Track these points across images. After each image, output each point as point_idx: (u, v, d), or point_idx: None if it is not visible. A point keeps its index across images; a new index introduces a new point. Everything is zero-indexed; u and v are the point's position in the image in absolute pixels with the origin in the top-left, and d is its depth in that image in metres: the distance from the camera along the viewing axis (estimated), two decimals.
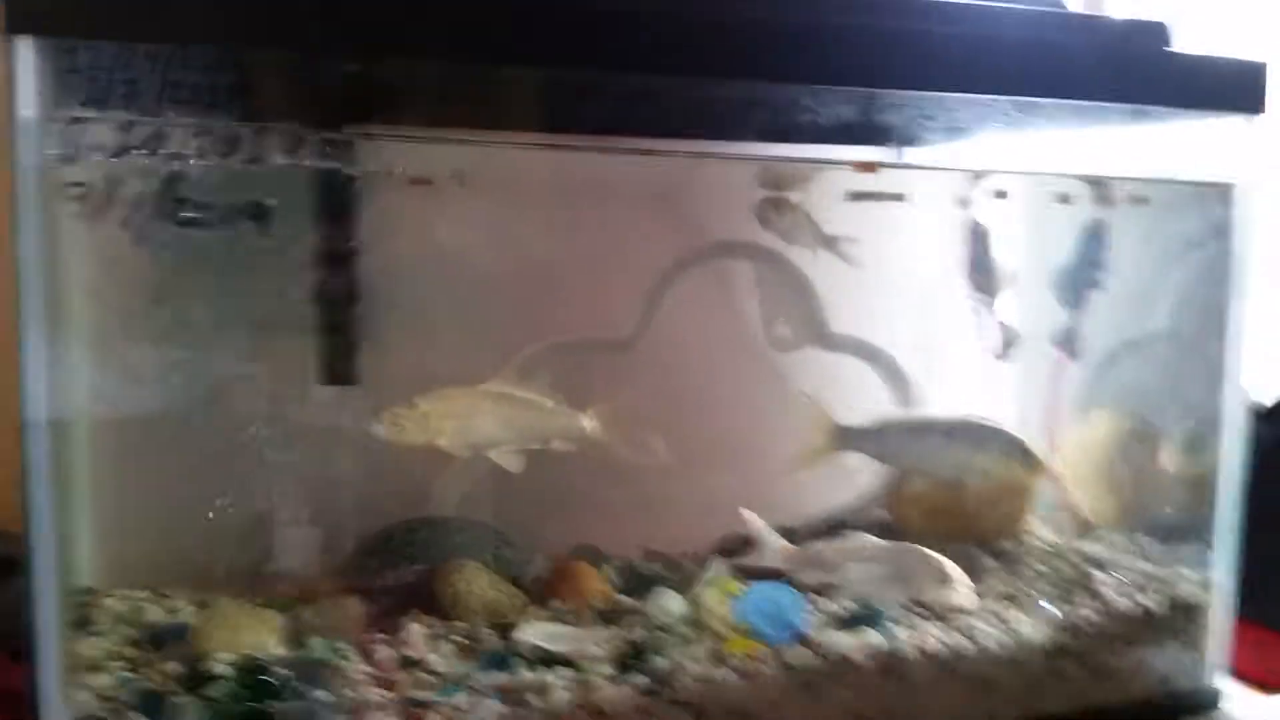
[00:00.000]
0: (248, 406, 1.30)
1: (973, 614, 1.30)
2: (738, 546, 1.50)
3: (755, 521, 1.38)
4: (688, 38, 1.09)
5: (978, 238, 1.66)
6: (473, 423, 1.30)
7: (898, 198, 1.53)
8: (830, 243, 1.49)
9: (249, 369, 1.26)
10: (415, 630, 1.26)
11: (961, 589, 1.28)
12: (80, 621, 1.24)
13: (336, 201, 1.31)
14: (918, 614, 1.31)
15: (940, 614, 1.28)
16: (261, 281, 1.26)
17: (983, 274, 1.65)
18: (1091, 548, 1.54)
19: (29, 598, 1.03)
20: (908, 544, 1.32)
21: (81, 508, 1.35)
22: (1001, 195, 1.54)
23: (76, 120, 0.90)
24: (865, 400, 1.70)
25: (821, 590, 1.32)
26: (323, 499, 1.36)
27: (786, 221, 1.44)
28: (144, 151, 0.92)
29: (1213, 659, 1.40)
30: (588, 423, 1.35)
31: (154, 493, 1.38)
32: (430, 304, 1.47)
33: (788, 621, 1.26)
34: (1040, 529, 1.61)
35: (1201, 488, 1.42)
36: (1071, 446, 1.66)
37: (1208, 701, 1.38)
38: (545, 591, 1.38)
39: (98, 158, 0.91)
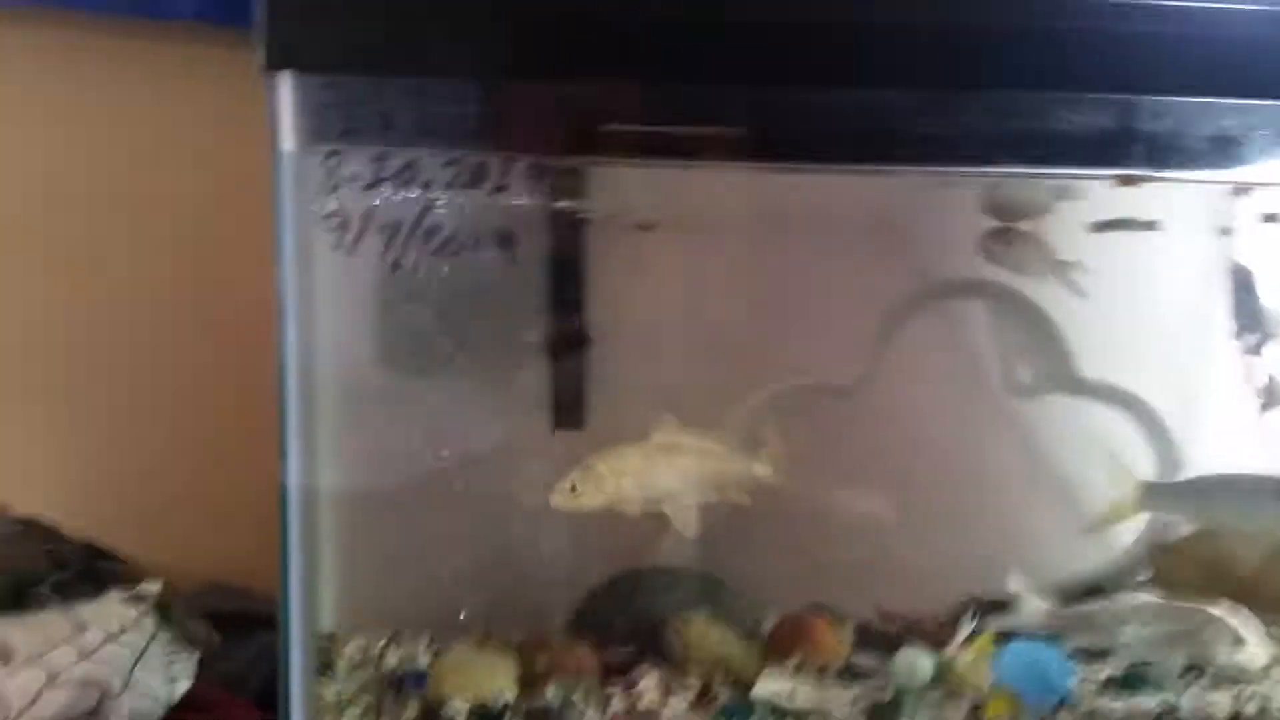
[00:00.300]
0: (484, 452, 1.31)
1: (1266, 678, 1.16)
2: (980, 609, 1.40)
3: (1017, 579, 1.27)
4: (916, 48, 1.04)
5: (1241, 274, 1.54)
6: (649, 478, 1.26)
7: (1150, 226, 1.43)
8: (1063, 269, 1.39)
9: (488, 413, 1.27)
10: (647, 681, 1.22)
11: (1259, 652, 1.14)
12: (323, 666, 1.26)
13: (567, 242, 1.31)
14: (1200, 680, 1.18)
15: (1232, 678, 1.15)
16: (499, 324, 1.27)
17: (1248, 316, 1.52)
18: None
19: (281, 643, 1.04)
20: (1194, 604, 1.19)
21: (325, 554, 1.38)
22: (1271, 219, 1.41)
23: (333, 154, 0.92)
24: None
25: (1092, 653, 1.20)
26: (553, 547, 1.35)
27: (1015, 252, 1.35)
28: (397, 182, 0.94)
29: None
30: (760, 468, 1.28)
31: (392, 540, 1.40)
32: (654, 348, 1.45)
33: (1053, 684, 1.15)
34: None
35: None
36: None
37: None
38: (779, 648, 1.32)
39: (353, 189, 0.93)
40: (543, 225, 1.28)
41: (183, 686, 1.32)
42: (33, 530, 1.44)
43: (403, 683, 1.25)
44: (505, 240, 1.09)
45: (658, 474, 1.26)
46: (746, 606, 1.39)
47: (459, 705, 1.17)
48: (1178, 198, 1.41)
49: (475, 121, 0.97)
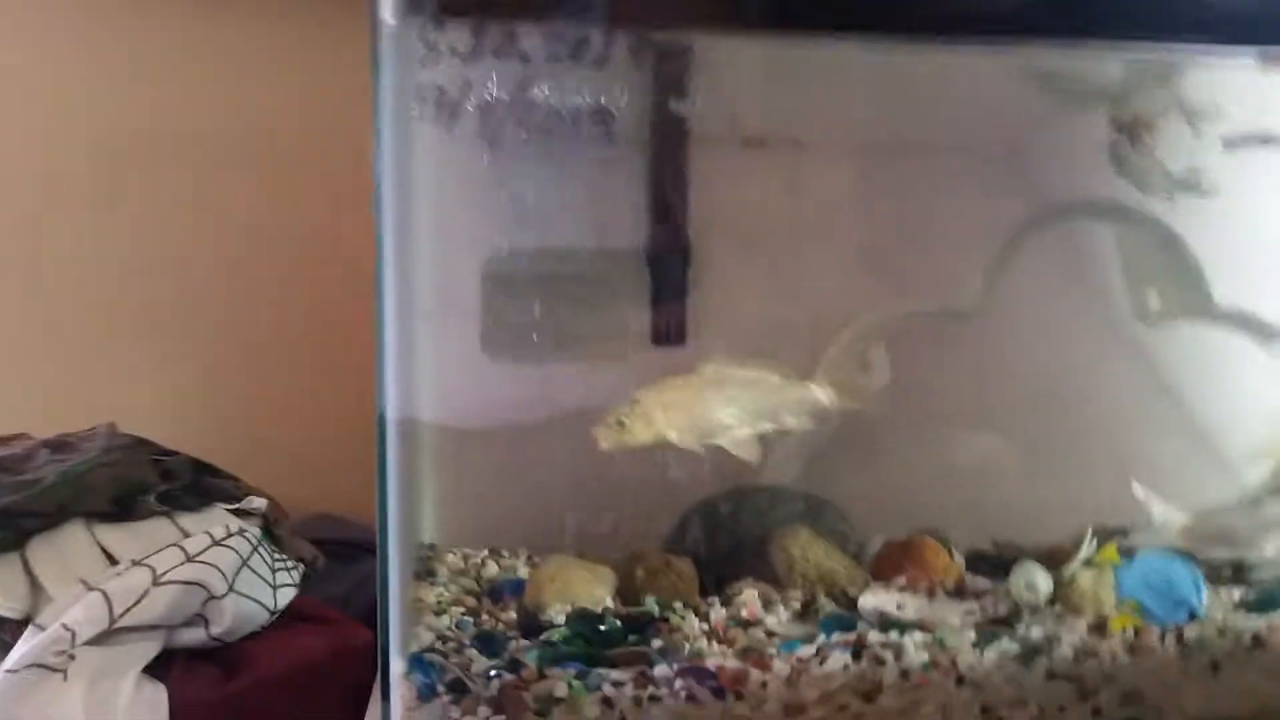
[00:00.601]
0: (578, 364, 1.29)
1: None
2: (1101, 535, 1.33)
3: (1146, 495, 1.21)
4: None
5: None
6: (699, 410, 1.21)
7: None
8: (1182, 183, 1.30)
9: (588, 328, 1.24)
10: (750, 594, 1.18)
11: None
12: (423, 573, 1.25)
13: (671, 149, 1.28)
14: None
15: None
16: (599, 232, 1.25)
17: None
18: None
19: (380, 551, 1.03)
20: None
21: (425, 472, 1.38)
22: None
23: (433, 24, 0.91)
24: (1254, 382, 1.49)
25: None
26: (655, 466, 1.32)
27: (1140, 162, 1.27)
28: (497, 55, 0.92)
29: None
30: (819, 392, 1.23)
31: (493, 457, 1.39)
32: (760, 265, 1.41)
33: (1182, 598, 1.08)
34: None
35: None
36: None
37: None
38: (886, 568, 1.27)
39: (453, 62, 0.92)
40: (648, 127, 1.25)
41: (287, 594, 1.34)
42: (143, 445, 1.47)
43: (502, 590, 1.24)
44: (603, 117, 1.06)
45: (708, 406, 1.22)
46: (853, 529, 1.34)
47: (558, 609, 1.15)
48: None
49: None
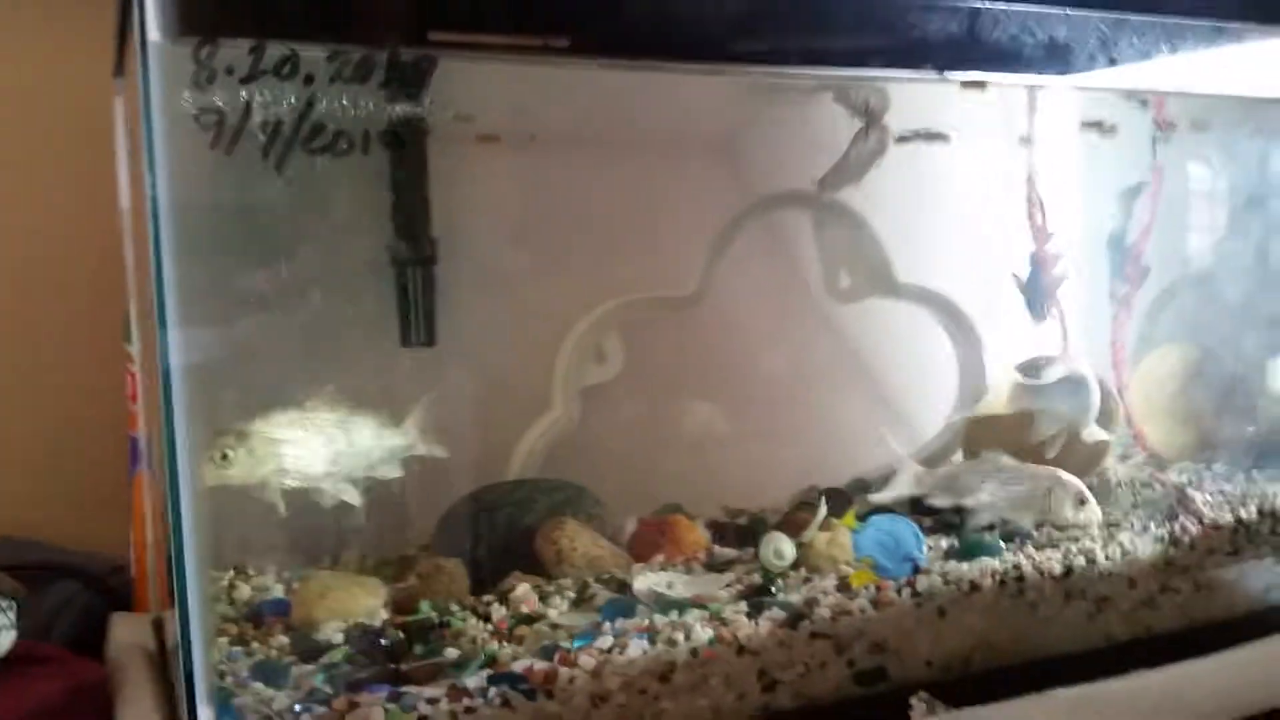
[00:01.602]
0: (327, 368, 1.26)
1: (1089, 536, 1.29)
2: (824, 495, 1.48)
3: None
4: None
5: (1031, 179, 1.67)
6: (307, 451, 1.14)
7: (943, 137, 1.54)
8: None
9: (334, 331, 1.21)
10: (524, 588, 1.22)
11: (1096, 509, 1.27)
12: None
13: (413, 153, 1.27)
14: (1027, 539, 1.30)
15: (1071, 532, 1.29)
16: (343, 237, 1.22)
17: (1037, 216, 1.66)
18: (1176, 478, 1.54)
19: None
20: (1044, 466, 1.31)
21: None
22: (1098, 125, 1.54)
23: (204, 44, 0.85)
24: (930, 349, 1.70)
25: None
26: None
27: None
28: (277, 77, 0.88)
29: None
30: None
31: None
32: (502, 262, 1.43)
33: (907, 553, 1.24)
34: (1119, 466, 1.61)
35: None
36: (1139, 381, 1.67)
37: None
38: (642, 548, 1.35)
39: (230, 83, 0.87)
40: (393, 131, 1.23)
41: (8, 638, 1.23)
42: None
43: (262, 612, 1.20)
44: (395, 140, 1.04)
45: (315, 448, 1.14)
46: (607, 512, 1.40)
47: (334, 627, 1.13)
48: (977, 111, 1.52)
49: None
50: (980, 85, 1.23)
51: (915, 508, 1.41)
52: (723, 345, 1.59)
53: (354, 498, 1.16)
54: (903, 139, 1.54)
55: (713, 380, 1.60)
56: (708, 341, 1.59)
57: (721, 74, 1.32)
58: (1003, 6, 1.18)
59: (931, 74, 1.24)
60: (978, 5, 1.17)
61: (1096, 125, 1.52)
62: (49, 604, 1.48)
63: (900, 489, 1.34)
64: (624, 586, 1.22)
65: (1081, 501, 1.27)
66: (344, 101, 0.97)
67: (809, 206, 1.62)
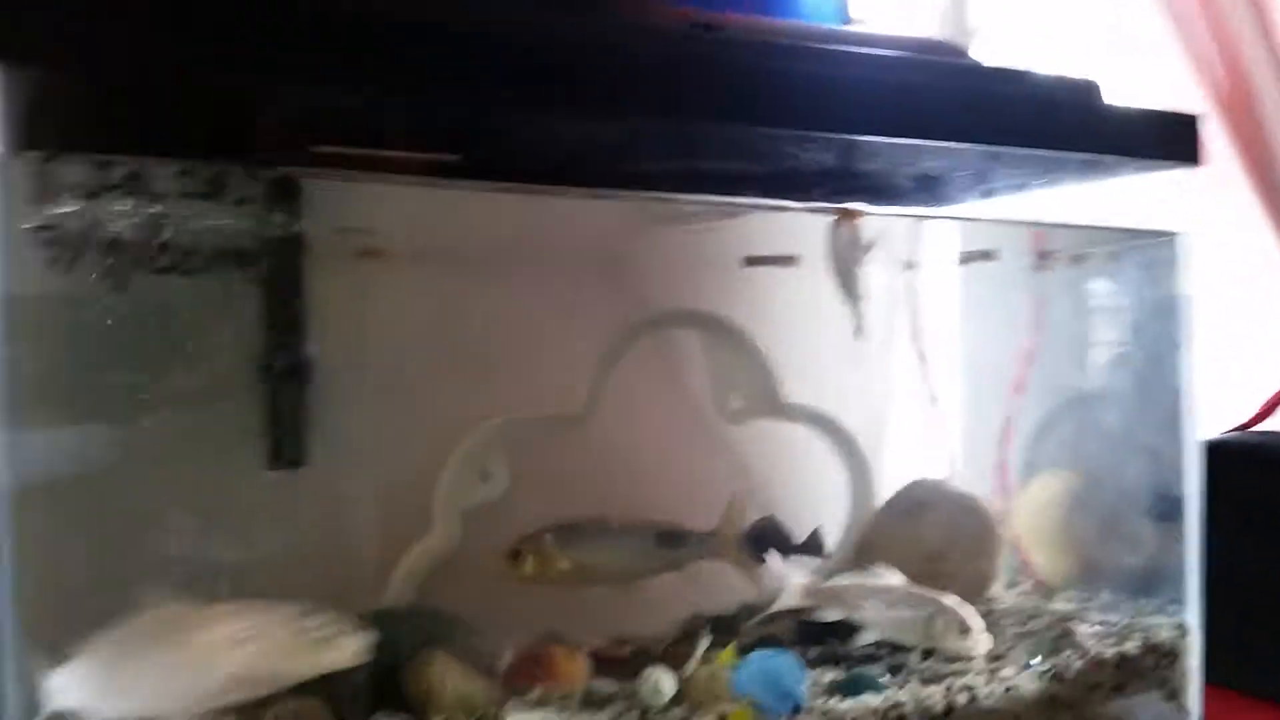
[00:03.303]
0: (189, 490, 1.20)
1: (969, 670, 1.27)
2: (709, 623, 1.45)
3: (772, 559, 1.35)
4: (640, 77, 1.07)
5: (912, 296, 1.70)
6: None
7: (790, 260, 1.55)
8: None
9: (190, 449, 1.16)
10: None
11: (981, 639, 1.25)
12: None
13: (287, 266, 1.23)
14: (915, 671, 1.28)
15: (939, 674, 1.25)
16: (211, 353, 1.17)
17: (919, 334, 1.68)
18: (1062, 606, 1.54)
19: None
20: (931, 591, 1.29)
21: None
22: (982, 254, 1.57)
23: (49, 159, 0.81)
24: (817, 471, 1.69)
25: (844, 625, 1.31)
26: (265, 590, 1.25)
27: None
28: (122, 193, 0.84)
29: (1191, 706, 1.40)
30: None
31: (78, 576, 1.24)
32: (382, 381, 1.39)
33: (787, 690, 1.20)
34: (1006, 594, 1.60)
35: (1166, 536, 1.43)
36: (1024, 508, 1.68)
37: None
38: (520, 680, 1.29)
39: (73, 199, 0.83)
40: (262, 246, 1.20)
41: None
42: None
43: None
44: (249, 259, 1.00)
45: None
46: (483, 642, 1.34)
47: None
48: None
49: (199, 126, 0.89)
50: (854, 214, 1.24)
51: (803, 631, 1.39)
52: (611, 465, 1.56)
53: None
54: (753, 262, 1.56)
55: (602, 500, 1.56)
56: (596, 461, 1.56)
57: (605, 198, 1.30)
58: (878, 140, 1.19)
59: (810, 203, 1.24)
60: (853, 137, 1.18)
61: (981, 254, 1.55)
62: None
63: (788, 601, 1.32)
64: None
65: (964, 630, 1.25)
66: (204, 218, 0.94)
67: (696, 326, 1.62)
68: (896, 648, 1.34)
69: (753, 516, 1.45)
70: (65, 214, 0.84)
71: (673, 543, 1.38)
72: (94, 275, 0.85)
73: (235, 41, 0.86)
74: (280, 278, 1.26)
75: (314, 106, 0.95)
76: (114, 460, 1.14)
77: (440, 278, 1.43)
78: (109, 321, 0.98)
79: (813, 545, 1.44)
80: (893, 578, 1.31)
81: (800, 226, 1.51)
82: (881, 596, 1.29)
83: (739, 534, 1.41)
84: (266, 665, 1.04)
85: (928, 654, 1.32)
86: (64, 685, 0.97)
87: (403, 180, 1.14)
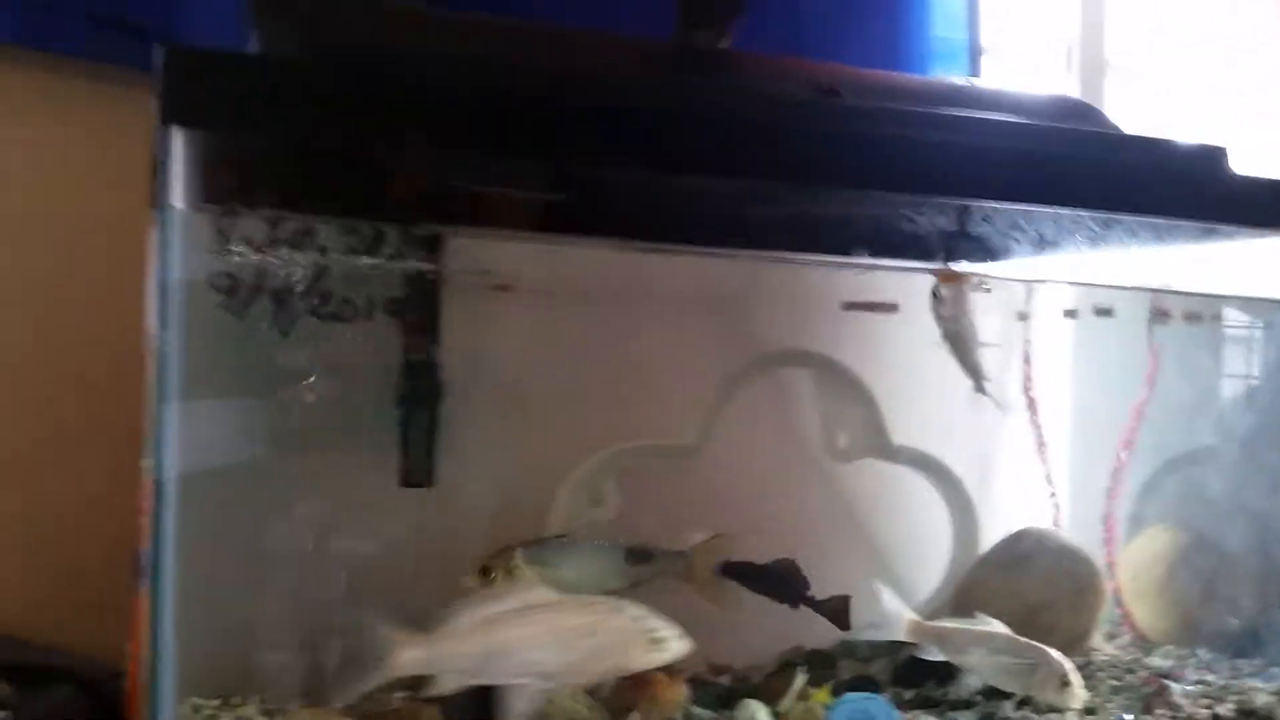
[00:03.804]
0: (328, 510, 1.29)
1: None
2: (806, 659, 1.49)
3: (884, 593, 1.38)
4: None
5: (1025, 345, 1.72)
6: None
7: (892, 308, 1.58)
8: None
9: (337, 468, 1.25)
10: None
11: (1080, 694, 1.28)
12: None
13: (423, 304, 1.32)
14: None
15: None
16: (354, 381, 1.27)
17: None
18: (1160, 662, 1.54)
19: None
20: (1035, 642, 1.32)
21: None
22: (1071, 314, 1.59)
23: (228, 213, 0.91)
24: (923, 514, 1.72)
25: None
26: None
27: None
28: (288, 246, 0.93)
29: None
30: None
31: (226, 600, 1.35)
32: (506, 408, 1.47)
33: None
34: (1105, 645, 1.61)
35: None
36: (1128, 562, 1.68)
37: None
38: (623, 703, 1.35)
39: (245, 251, 0.92)
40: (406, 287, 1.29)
41: None
42: None
43: None
44: (398, 306, 1.09)
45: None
46: None
47: None
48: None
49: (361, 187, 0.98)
50: (955, 277, 1.27)
51: (900, 673, 1.43)
52: (719, 496, 1.62)
53: None
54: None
55: (708, 530, 1.61)
56: (705, 491, 1.61)
57: (724, 257, 1.36)
58: (996, 204, 1.23)
59: (931, 264, 1.28)
60: (969, 202, 1.22)
61: (1104, 312, 1.56)
62: (44, 706, 1.49)
63: (894, 634, 1.36)
64: None
65: (1065, 684, 1.28)
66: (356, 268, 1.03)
67: (809, 365, 1.66)
68: (989, 695, 1.37)
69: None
70: (238, 264, 0.93)
71: (640, 560, 1.36)
72: (263, 321, 0.94)
73: (388, 116, 0.95)
74: (418, 313, 1.35)
75: (469, 166, 1.03)
76: (275, 479, 1.24)
77: (566, 313, 1.51)
78: (273, 360, 1.08)
79: (837, 614, 1.40)
80: (996, 625, 1.34)
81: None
82: (985, 643, 1.32)
83: (714, 562, 1.39)
84: (610, 656, 1.17)
85: (1022, 703, 1.34)
86: (417, 654, 1.09)
87: (531, 236, 1.22)
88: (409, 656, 1.08)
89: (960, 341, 1.32)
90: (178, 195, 0.90)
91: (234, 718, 1.30)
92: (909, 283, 1.49)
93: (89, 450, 1.64)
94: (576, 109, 1.04)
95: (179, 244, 0.90)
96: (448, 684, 1.10)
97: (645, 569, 1.34)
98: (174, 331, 0.90)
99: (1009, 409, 1.63)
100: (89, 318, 1.61)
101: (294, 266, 0.95)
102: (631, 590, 1.30)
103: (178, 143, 0.90)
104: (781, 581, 1.42)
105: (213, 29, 1.68)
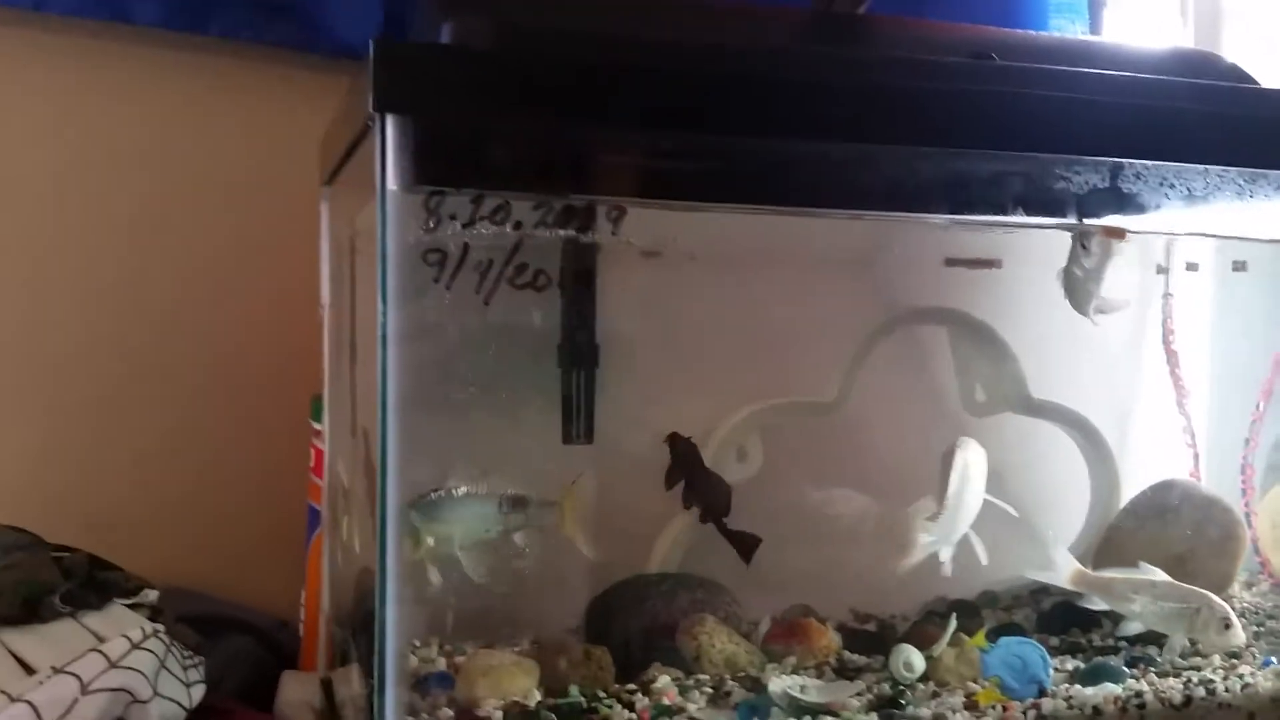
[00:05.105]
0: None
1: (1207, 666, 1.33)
2: (951, 608, 1.54)
3: (1054, 542, 1.45)
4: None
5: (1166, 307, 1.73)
6: None
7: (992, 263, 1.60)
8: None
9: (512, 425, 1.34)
10: (665, 680, 1.31)
11: (1240, 635, 1.32)
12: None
13: (582, 270, 1.39)
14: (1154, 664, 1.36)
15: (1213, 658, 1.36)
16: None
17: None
18: None
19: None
20: (1197, 588, 1.37)
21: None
22: (1193, 267, 1.59)
23: (435, 194, 0.99)
24: (1062, 467, 1.75)
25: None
26: (557, 555, 1.42)
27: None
28: (492, 222, 1.01)
29: None
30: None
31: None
32: (658, 367, 1.54)
33: (1034, 676, 1.29)
34: (1243, 592, 1.63)
35: None
36: (1265, 511, 1.69)
37: None
38: (778, 646, 1.42)
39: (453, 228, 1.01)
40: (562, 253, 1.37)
41: (199, 691, 1.36)
42: (40, 543, 1.44)
43: (429, 684, 1.31)
44: (585, 277, 1.16)
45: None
46: (742, 610, 1.48)
47: (493, 704, 1.23)
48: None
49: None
50: (1119, 233, 1.30)
51: (1044, 620, 1.47)
52: (859, 451, 1.67)
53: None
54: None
55: (848, 485, 1.67)
56: (845, 447, 1.67)
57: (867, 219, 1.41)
58: (1143, 163, 1.25)
59: (1072, 221, 1.30)
60: (1118, 160, 1.24)
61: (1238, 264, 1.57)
62: (220, 657, 1.62)
63: (1057, 580, 1.42)
64: (758, 685, 1.31)
65: (1227, 626, 1.31)
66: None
67: (946, 322, 1.70)
68: (1132, 641, 1.41)
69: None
70: (447, 238, 1.02)
71: (515, 507, 1.37)
72: (474, 290, 1.02)
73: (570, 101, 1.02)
74: (577, 279, 1.42)
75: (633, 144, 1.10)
76: (459, 437, 1.32)
77: (710, 277, 1.56)
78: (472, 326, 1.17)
79: (745, 549, 1.49)
80: (1157, 574, 1.38)
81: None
82: (1148, 591, 1.37)
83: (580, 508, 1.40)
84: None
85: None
86: None
87: (688, 206, 1.28)
88: None
89: (1084, 291, 1.35)
90: (391, 177, 0.97)
91: (418, 659, 1.39)
92: (1042, 240, 1.52)
93: (265, 414, 1.76)
94: (739, 85, 1.09)
95: (395, 223, 0.98)
96: None
97: (519, 516, 1.37)
98: (394, 305, 0.98)
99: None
100: (266, 288, 1.73)
101: (495, 241, 1.03)
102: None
103: (390, 129, 0.97)
104: (707, 497, 1.51)
105: (356, 10, 1.78)
